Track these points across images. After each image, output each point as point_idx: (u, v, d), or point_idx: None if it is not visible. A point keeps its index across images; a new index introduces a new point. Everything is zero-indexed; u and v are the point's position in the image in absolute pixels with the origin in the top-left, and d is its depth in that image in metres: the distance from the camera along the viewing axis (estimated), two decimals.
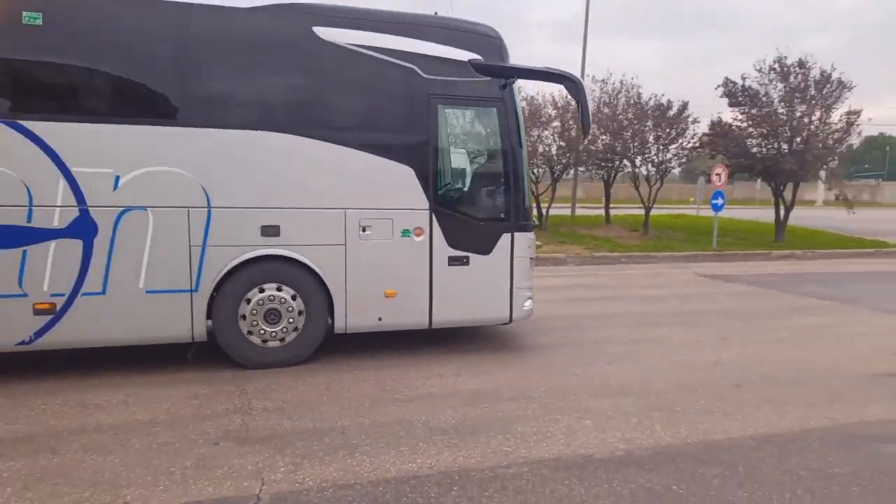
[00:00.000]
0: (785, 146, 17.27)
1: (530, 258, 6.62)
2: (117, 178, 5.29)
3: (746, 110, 17.56)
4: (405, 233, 6.10)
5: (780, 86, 17.23)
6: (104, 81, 5.39)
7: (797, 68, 17.02)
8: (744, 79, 17.52)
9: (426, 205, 6.12)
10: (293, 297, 5.88)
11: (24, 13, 5.00)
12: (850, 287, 11.54)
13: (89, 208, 5.24)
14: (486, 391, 5.36)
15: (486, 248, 6.35)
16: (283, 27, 5.73)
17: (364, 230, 5.97)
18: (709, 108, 31.08)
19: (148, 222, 5.38)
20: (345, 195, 5.92)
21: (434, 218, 6.16)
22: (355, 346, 6.53)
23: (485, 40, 6.33)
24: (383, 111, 6.16)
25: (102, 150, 5.27)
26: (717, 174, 16.87)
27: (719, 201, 16.74)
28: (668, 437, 4.42)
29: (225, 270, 5.61)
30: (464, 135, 7.00)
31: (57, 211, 5.17)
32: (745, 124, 17.71)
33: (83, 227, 5.24)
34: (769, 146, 17.64)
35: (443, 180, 6.41)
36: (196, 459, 3.97)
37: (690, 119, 18.58)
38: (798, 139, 17.09)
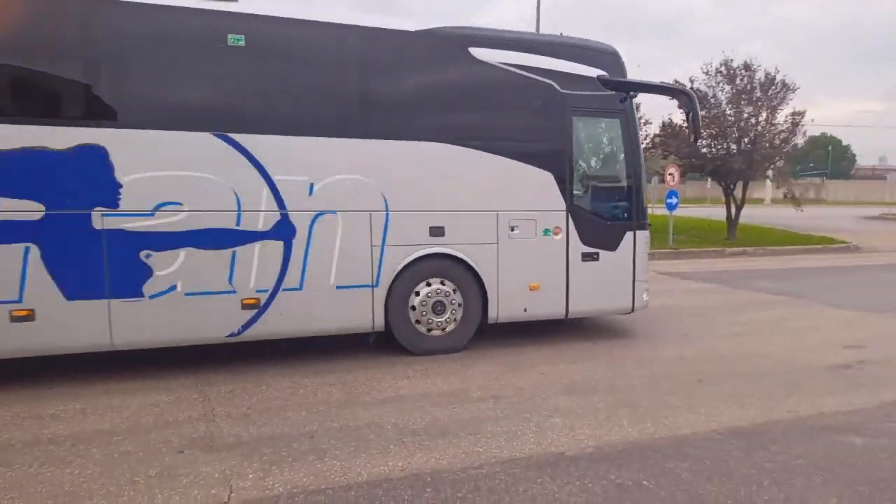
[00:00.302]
0: (734, 146, 17.78)
1: (647, 253, 7.34)
2: (312, 185, 5.87)
3: None
4: (546, 232, 6.79)
5: (728, 88, 17.74)
6: (300, 99, 5.91)
7: (743, 71, 17.53)
8: (692, 81, 17.97)
9: (563, 206, 6.81)
10: (454, 291, 6.55)
11: (230, 35, 5.54)
12: (801, 282, 11.94)
13: (289, 212, 5.80)
14: (455, 392, 5.35)
15: (613, 245, 7.07)
16: (445, 48, 6.39)
17: (512, 230, 6.65)
18: (660, 110, 31.80)
19: (337, 224, 5.97)
20: (496, 199, 6.58)
21: (570, 218, 6.86)
22: (320, 352, 6.44)
23: (607, 57, 7.04)
24: (527, 122, 6.73)
25: (299, 161, 5.83)
26: (671, 174, 17.25)
27: (674, 200, 17.11)
28: (635, 433, 4.48)
29: (400, 267, 6.24)
30: (592, 144, 7.51)
31: (261, 215, 5.72)
32: None
33: (284, 230, 5.80)
34: (718, 146, 18.14)
35: (576, 185, 6.98)
36: (161, 468, 3.85)
37: (643, 121, 18.96)
38: (746, 139, 17.61)
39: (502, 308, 6.69)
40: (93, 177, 5.22)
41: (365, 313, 6.18)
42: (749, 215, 30.66)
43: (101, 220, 5.24)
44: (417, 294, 6.41)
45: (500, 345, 6.87)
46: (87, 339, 5.33)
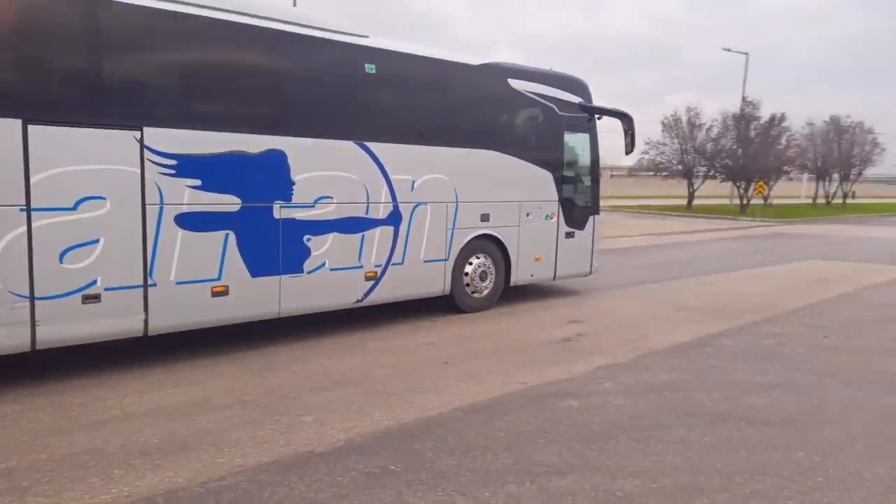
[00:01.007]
0: None
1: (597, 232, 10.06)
2: (413, 182, 7.56)
3: None
4: (546, 217, 9.11)
5: None
6: (408, 115, 7.63)
7: None
8: None
9: (557, 198, 9.21)
10: (491, 263, 8.56)
11: (365, 65, 7.00)
12: None
13: (399, 203, 7.43)
14: (196, 402, 4.92)
15: (583, 226, 9.66)
16: (494, 78, 8.36)
17: (527, 216, 8.86)
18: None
19: (427, 213, 7.73)
20: (519, 192, 8.74)
21: (560, 206, 9.27)
22: (28, 372, 5.45)
23: (583, 88, 9.48)
24: (539, 135, 9.07)
25: (406, 163, 7.45)
26: None
27: None
28: (386, 421, 4.55)
29: (462, 244, 8.14)
30: (572, 152, 9.62)
31: (381, 206, 7.28)
32: None
33: (395, 217, 7.42)
34: None
35: (564, 182, 9.34)
36: None
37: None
38: None
39: (520, 274, 8.91)
40: (275, 175, 6.39)
41: (440, 281, 8.01)
42: None
43: (279, 210, 6.45)
44: (470, 264, 8.34)
45: (249, 346, 6.48)
46: (263, 309, 6.47)
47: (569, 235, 9.43)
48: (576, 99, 9.24)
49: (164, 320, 5.79)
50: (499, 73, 8.41)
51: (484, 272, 8.50)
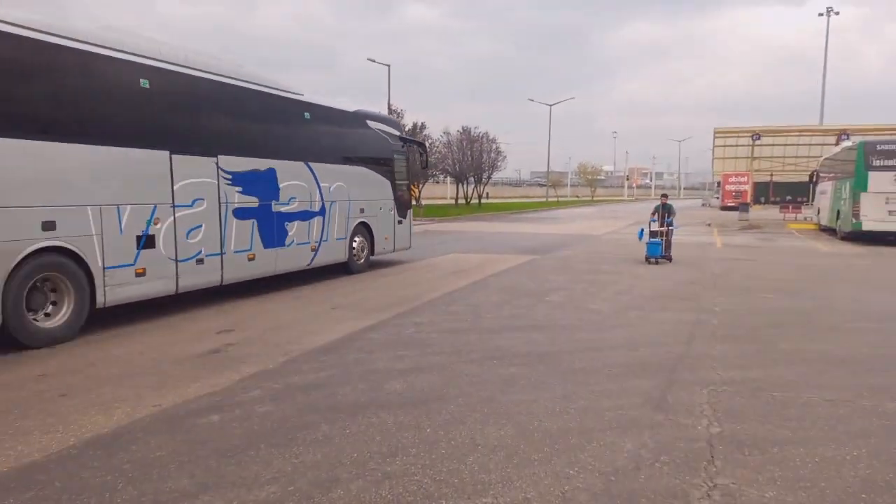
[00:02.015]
0: None
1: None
2: (330, 187, 11.88)
3: None
4: (389, 209, 14.06)
5: None
6: (326, 144, 12.03)
7: None
8: None
9: (392, 197, 14.13)
10: (364, 241, 13.45)
11: (305, 113, 11.38)
12: None
13: (324, 201, 11.71)
14: None
15: (404, 216, 14.74)
16: (360, 120, 13.19)
17: (380, 209, 13.69)
18: None
19: (337, 207, 12.11)
20: (371, 193, 13.43)
21: (394, 203, 14.19)
22: None
23: (399, 126, 15.60)
24: (381, 156, 13.79)
25: (327, 175, 11.80)
26: None
27: None
28: None
29: (352, 228, 12.76)
30: (397, 167, 14.32)
31: (317, 202, 11.52)
32: None
33: (322, 210, 11.65)
34: None
35: (394, 186, 14.16)
36: None
37: None
38: None
39: (377, 248, 13.71)
40: (272, 184, 10.34)
41: (343, 252, 12.45)
42: None
43: (275, 206, 10.40)
44: (355, 241, 12.85)
45: None
46: (268, 269, 10.32)
47: (399, 222, 14.47)
48: (397, 132, 14.70)
49: (228, 276, 9.43)
50: (363, 116, 13.30)
51: (363, 246, 13.14)
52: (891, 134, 28.10)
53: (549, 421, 4.66)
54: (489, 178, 50.23)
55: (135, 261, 7.72)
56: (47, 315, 6.84)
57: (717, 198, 55.87)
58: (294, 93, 11.00)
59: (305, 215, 11.09)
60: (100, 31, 7.61)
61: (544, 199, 70.71)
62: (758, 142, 36.84)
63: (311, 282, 11.53)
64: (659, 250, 14.45)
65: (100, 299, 7.27)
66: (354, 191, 12.51)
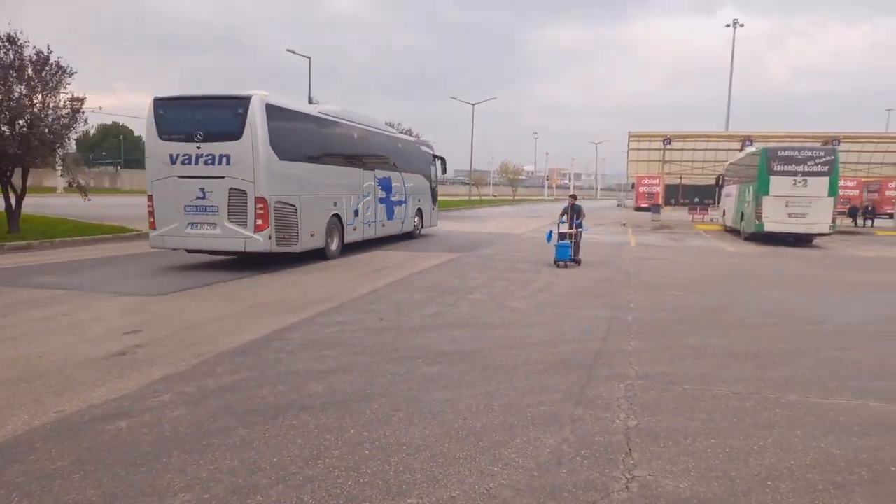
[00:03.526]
0: (5, 128, 15.93)
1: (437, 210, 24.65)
2: (404, 185, 20.28)
3: None
4: (428, 200, 22.66)
5: None
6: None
7: (6, 43, 15.85)
8: None
9: (430, 192, 22.78)
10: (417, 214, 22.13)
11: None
12: (87, 274, 11.67)
13: (406, 195, 20.10)
14: None
15: (435, 204, 23.50)
16: (416, 146, 22.63)
17: (419, 200, 21.49)
18: None
19: (411, 199, 20.75)
20: (423, 191, 22.06)
21: (431, 196, 22.90)
22: None
23: (431, 146, 23.62)
24: (426, 166, 22.41)
25: (409, 179, 20.47)
26: None
27: None
28: None
29: (416, 209, 21.62)
30: (432, 173, 22.87)
31: (404, 195, 19.82)
32: None
33: (406, 200, 20.09)
34: None
35: (431, 185, 22.78)
36: None
37: None
38: (21, 122, 16.04)
39: (424, 223, 22.29)
40: (389, 185, 18.47)
41: (412, 226, 20.79)
42: (39, 205, 28.58)
43: (390, 197, 18.47)
44: (415, 220, 21.35)
45: None
46: (386, 232, 18.41)
47: (433, 209, 23.15)
48: (431, 151, 22.80)
49: (377, 234, 17.65)
50: (419, 142, 23.19)
51: (420, 223, 21.68)
52: (791, 141, 30.03)
53: (473, 418, 4.68)
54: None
55: (352, 221, 15.72)
56: (329, 243, 14.40)
57: (632, 199, 58.06)
58: (390, 132, 20.10)
59: (400, 202, 19.16)
60: (342, 112, 16.03)
61: (467, 198, 71.39)
62: (669, 146, 38.50)
63: (232, 280, 11.12)
64: (568, 254, 13.93)
65: (346, 239, 15.34)
66: (416, 188, 20.60)
